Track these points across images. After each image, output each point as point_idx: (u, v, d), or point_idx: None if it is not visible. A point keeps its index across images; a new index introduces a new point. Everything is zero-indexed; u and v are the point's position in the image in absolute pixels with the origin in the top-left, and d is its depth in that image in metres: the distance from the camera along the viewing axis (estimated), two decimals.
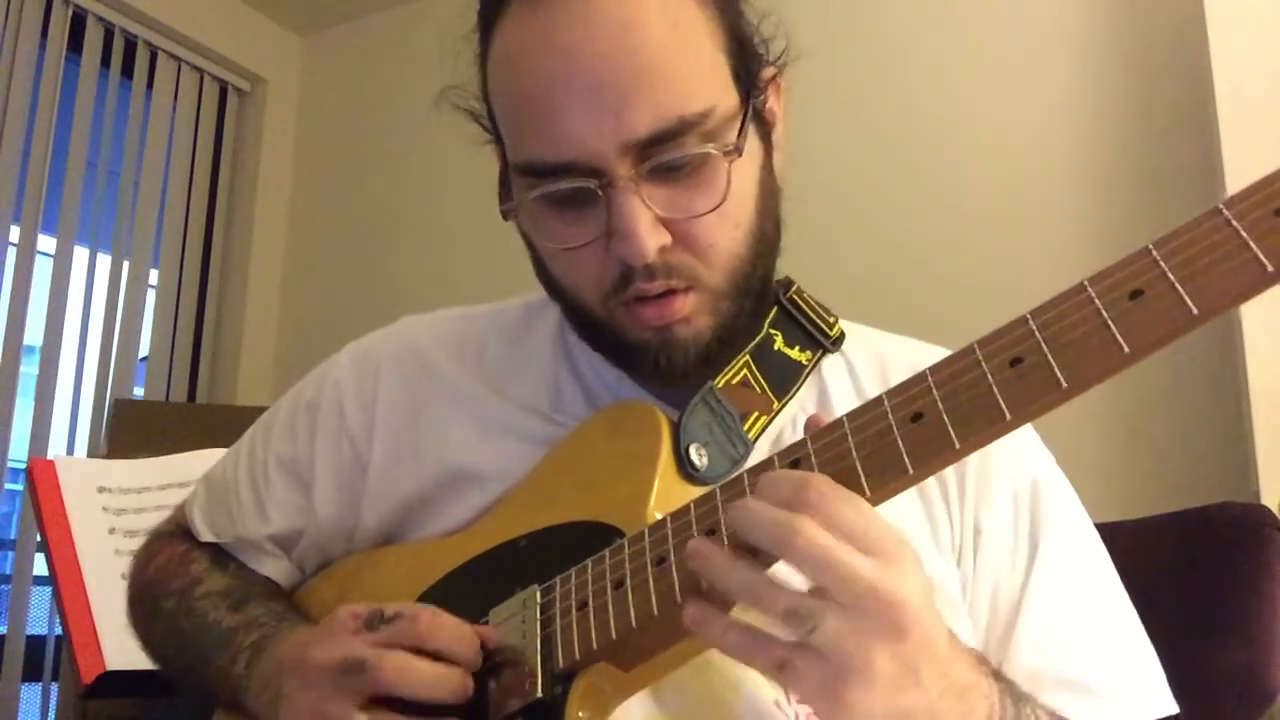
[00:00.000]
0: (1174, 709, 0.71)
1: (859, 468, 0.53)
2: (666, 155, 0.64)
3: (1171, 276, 0.48)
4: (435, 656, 0.62)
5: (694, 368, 0.70)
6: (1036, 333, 0.51)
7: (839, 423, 0.56)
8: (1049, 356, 0.50)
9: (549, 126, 0.64)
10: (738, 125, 0.67)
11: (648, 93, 0.63)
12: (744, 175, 0.68)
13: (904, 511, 0.66)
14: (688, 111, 0.64)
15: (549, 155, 0.65)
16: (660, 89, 0.63)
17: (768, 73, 0.73)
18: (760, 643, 0.51)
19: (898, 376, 0.76)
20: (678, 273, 0.66)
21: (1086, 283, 0.50)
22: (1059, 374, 0.49)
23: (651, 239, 0.64)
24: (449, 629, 0.62)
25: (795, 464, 0.55)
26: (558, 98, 0.64)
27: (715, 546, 0.53)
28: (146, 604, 0.87)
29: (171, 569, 0.86)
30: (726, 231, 0.68)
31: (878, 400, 0.55)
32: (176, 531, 0.91)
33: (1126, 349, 0.48)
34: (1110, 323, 0.49)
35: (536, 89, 0.65)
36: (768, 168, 0.72)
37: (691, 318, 0.68)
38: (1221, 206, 0.48)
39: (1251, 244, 0.46)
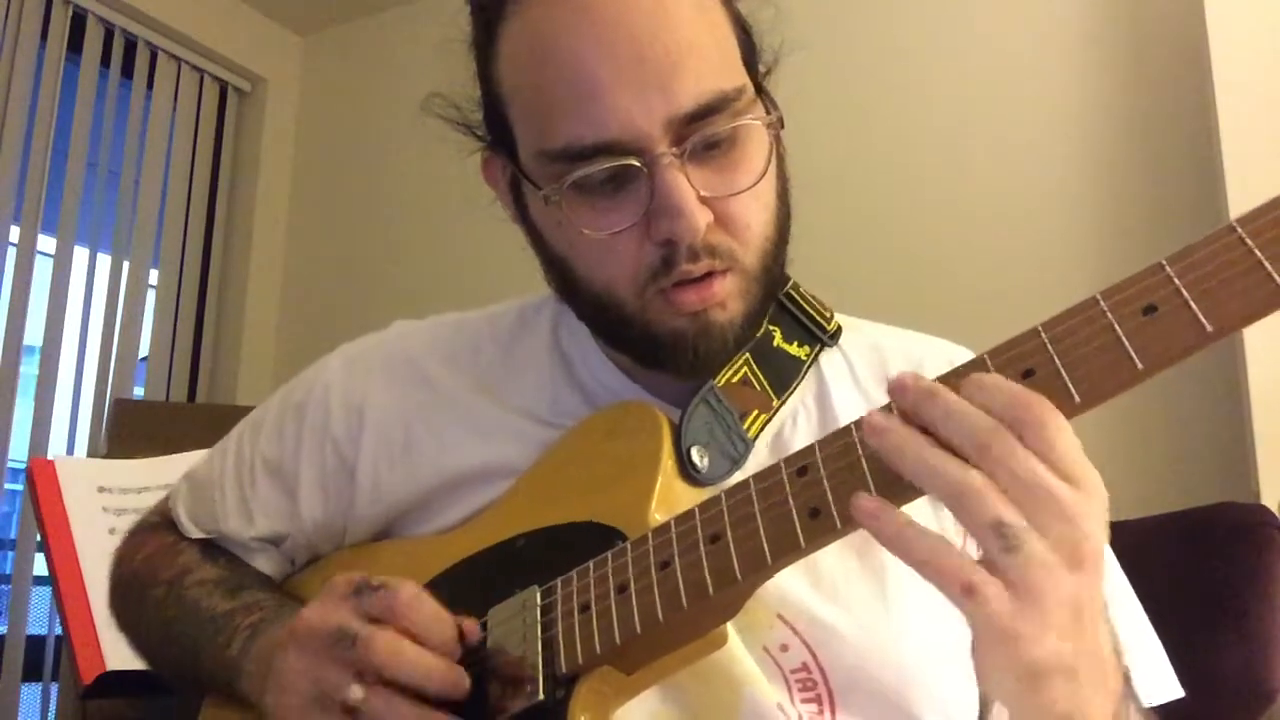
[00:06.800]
0: (1180, 692, 0.71)
1: (869, 477, 0.52)
2: (708, 130, 0.64)
3: (1185, 293, 0.47)
4: (412, 637, 0.61)
5: (725, 357, 0.70)
6: (1049, 345, 0.50)
7: (847, 430, 0.55)
8: (1061, 370, 0.49)
9: (590, 105, 0.63)
10: (762, 105, 0.69)
11: (690, 68, 0.63)
12: (767, 157, 0.68)
13: (914, 512, 0.66)
14: (726, 86, 0.65)
15: (590, 135, 0.63)
16: (700, 64, 0.64)
17: (765, 65, 0.73)
18: (952, 554, 0.46)
19: (897, 369, 0.77)
20: (718, 253, 0.66)
21: (1099, 296, 0.50)
22: (1071, 388, 0.49)
23: (700, 214, 0.64)
24: (426, 610, 0.62)
25: (803, 471, 0.55)
26: (600, 76, 0.63)
27: (907, 426, 0.49)
28: (133, 593, 0.86)
29: (159, 560, 0.85)
30: (758, 212, 0.68)
31: (887, 408, 0.54)
32: (162, 523, 0.90)
33: (1140, 365, 0.48)
34: (1124, 338, 0.48)
35: (574, 69, 0.64)
36: (781, 156, 0.72)
37: (727, 302, 0.67)
38: (1235, 224, 0.47)
39: (1265, 263, 0.46)
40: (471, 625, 0.64)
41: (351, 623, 0.61)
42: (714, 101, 0.64)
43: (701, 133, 0.64)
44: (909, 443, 0.49)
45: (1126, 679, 0.56)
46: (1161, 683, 0.71)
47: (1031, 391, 0.48)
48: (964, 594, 0.46)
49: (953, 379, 0.51)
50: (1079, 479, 0.47)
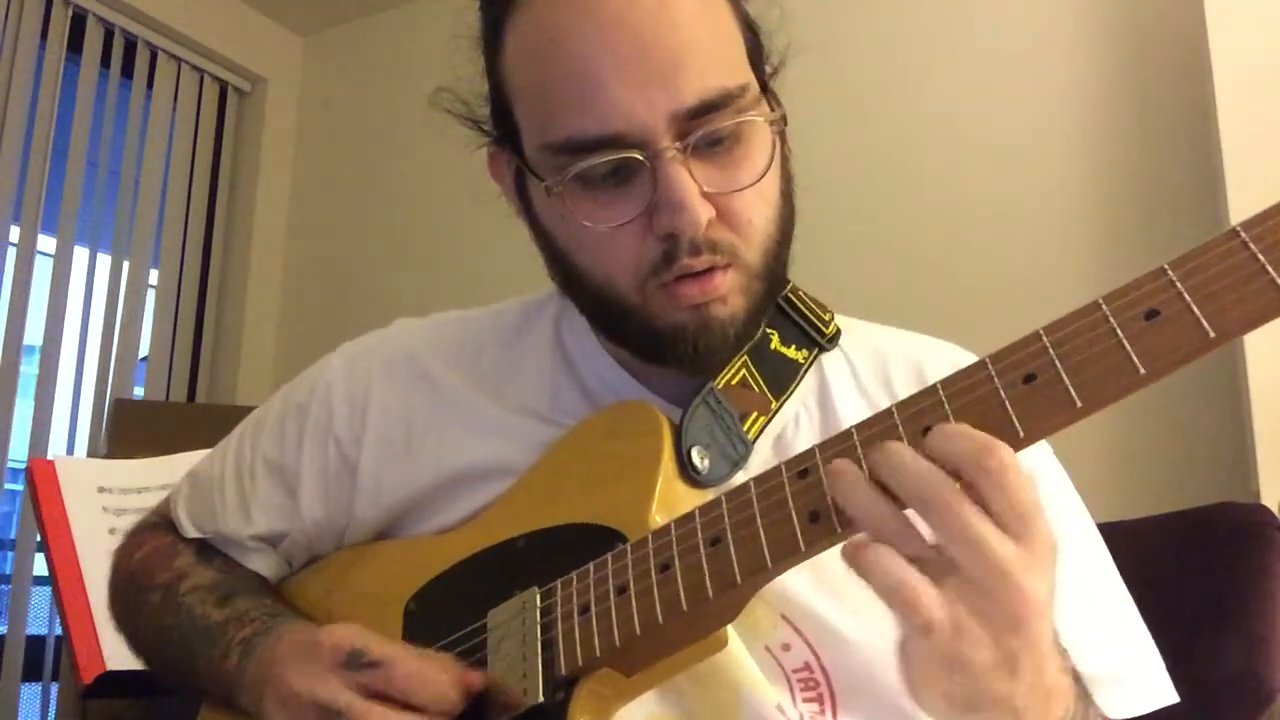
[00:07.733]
0: (1175, 698, 0.71)
1: None
2: (711, 126, 0.64)
3: (1188, 298, 0.47)
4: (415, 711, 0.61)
5: (727, 353, 0.70)
6: (1050, 349, 0.50)
7: (848, 433, 0.55)
8: (1063, 374, 0.49)
9: (593, 99, 0.63)
10: (767, 104, 0.69)
11: (694, 64, 0.64)
12: (770, 155, 0.68)
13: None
14: (730, 84, 0.65)
15: (593, 129, 0.64)
16: (704, 61, 0.64)
17: (771, 65, 0.73)
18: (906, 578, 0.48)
19: (898, 371, 0.77)
20: (720, 249, 0.66)
21: (1101, 301, 0.49)
22: (1073, 392, 0.49)
23: (702, 209, 0.64)
24: (429, 685, 0.62)
25: (804, 474, 0.55)
26: (603, 70, 0.63)
27: (861, 475, 0.51)
28: (130, 596, 0.86)
29: (156, 562, 0.86)
30: (761, 209, 0.68)
31: (888, 412, 0.54)
32: (161, 523, 0.90)
33: (1143, 370, 0.48)
34: (1126, 342, 0.48)
35: (579, 63, 0.64)
36: (785, 155, 0.72)
37: (728, 297, 0.67)
38: (1238, 229, 0.47)
39: (1269, 268, 0.46)
40: (476, 677, 0.63)
41: (339, 698, 0.62)
42: (717, 98, 0.64)
43: (704, 128, 0.64)
44: (860, 491, 0.50)
45: (1079, 680, 0.58)
46: (1157, 690, 0.71)
47: (992, 439, 0.49)
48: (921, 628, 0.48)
49: (916, 404, 0.53)
50: (1025, 533, 0.48)
